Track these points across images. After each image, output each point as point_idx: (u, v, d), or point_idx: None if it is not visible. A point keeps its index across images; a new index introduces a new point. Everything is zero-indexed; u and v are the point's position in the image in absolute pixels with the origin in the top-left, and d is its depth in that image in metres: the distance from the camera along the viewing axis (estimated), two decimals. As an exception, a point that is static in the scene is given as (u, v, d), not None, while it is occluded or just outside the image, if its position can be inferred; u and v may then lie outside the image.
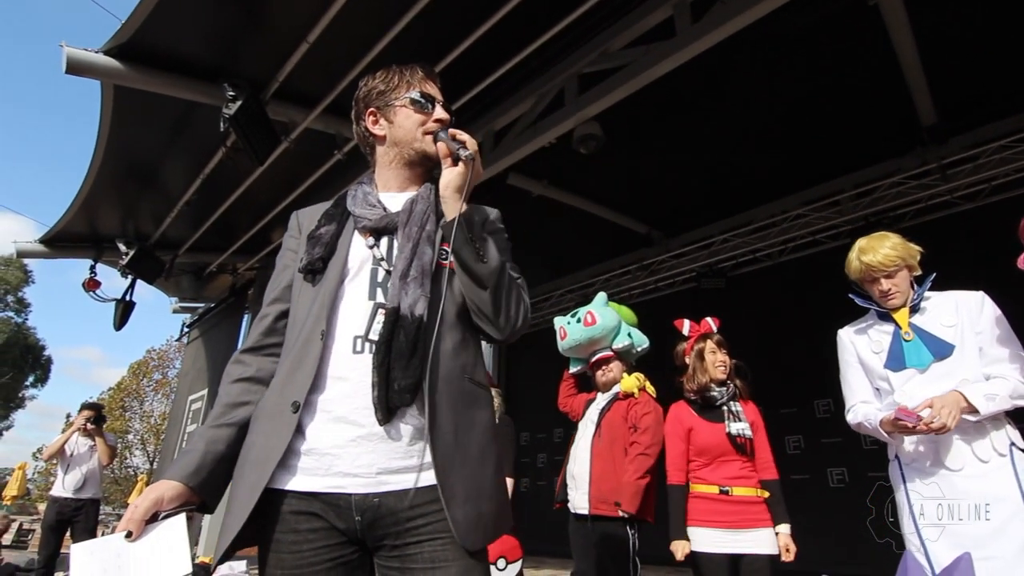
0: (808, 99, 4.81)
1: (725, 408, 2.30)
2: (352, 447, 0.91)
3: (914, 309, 1.85)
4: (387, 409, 0.90)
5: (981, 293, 1.82)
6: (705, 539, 2.17)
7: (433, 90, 1.15)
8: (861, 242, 1.95)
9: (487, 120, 4.55)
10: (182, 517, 0.89)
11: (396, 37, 3.49)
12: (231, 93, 3.50)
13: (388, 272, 1.02)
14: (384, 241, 1.07)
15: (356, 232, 1.08)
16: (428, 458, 0.92)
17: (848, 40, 4.24)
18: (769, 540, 2.15)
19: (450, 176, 1.04)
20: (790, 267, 6.51)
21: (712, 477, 2.24)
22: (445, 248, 1.04)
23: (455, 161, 1.04)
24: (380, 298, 1.01)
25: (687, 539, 2.18)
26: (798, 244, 6.38)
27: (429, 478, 0.91)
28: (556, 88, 4.04)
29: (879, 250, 1.87)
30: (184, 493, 0.92)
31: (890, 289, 1.86)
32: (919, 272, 1.92)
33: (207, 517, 6.75)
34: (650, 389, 2.82)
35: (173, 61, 3.58)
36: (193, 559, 6.26)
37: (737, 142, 5.35)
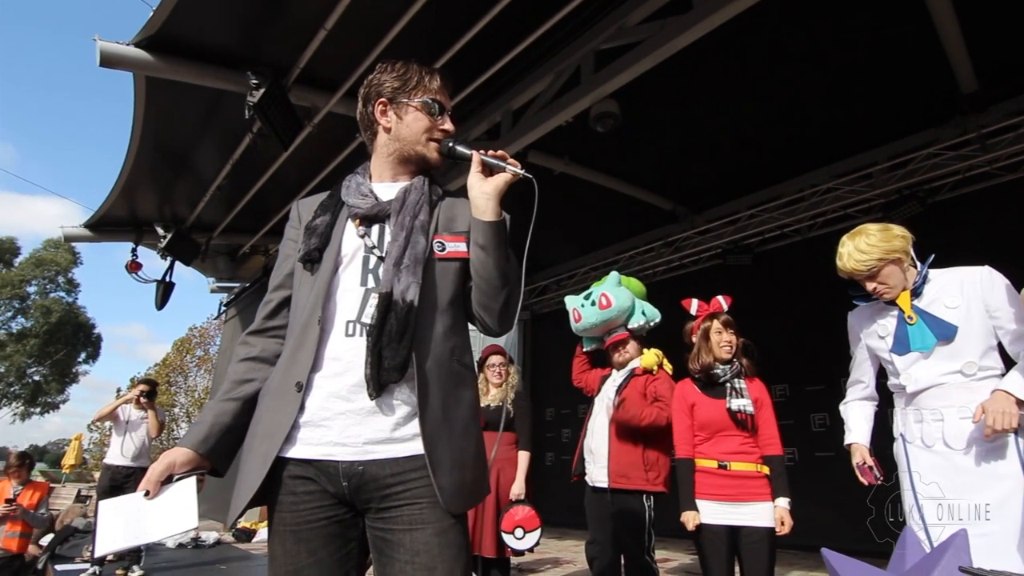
0: (839, 68, 4.64)
1: (728, 385, 2.33)
2: (342, 419, 1.01)
3: (916, 292, 1.83)
4: (378, 386, 1.00)
5: (987, 268, 1.78)
6: (705, 511, 2.23)
7: (446, 99, 1.22)
8: (841, 242, 1.92)
9: (505, 99, 4.55)
10: (192, 479, 1.02)
11: (412, 19, 3.52)
12: (254, 81, 3.61)
13: (379, 259, 1.10)
14: (375, 229, 1.14)
15: (348, 221, 1.16)
16: (411, 431, 1.02)
17: (881, 4, 4.06)
18: (768, 514, 2.19)
19: (495, 183, 1.10)
20: (819, 243, 6.35)
21: (712, 452, 2.29)
22: (441, 240, 1.12)
23: (489, 172, 1.12)
24: (371, 284, 1.09)
25: (696, 510, 2.25)
26: (828, 219, 6.21)
27: (409, 449, 1.01)
28: (573, 66, 4.02)
29: (852, 256, 1.84)
30: (195, 459, 1.04)
31: (876, 288, 1.85)
32: (908, 260, 1.86)
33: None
34: (667, 367, 2.87)
35: (199, 51, 3.70)
36: (235, 525, 6.65)
37: (764, 115, 5.21)
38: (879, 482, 1.92)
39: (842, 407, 2.10)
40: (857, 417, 2.02)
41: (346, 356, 1.04)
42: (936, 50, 4.22)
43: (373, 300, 1.04)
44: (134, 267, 6.60)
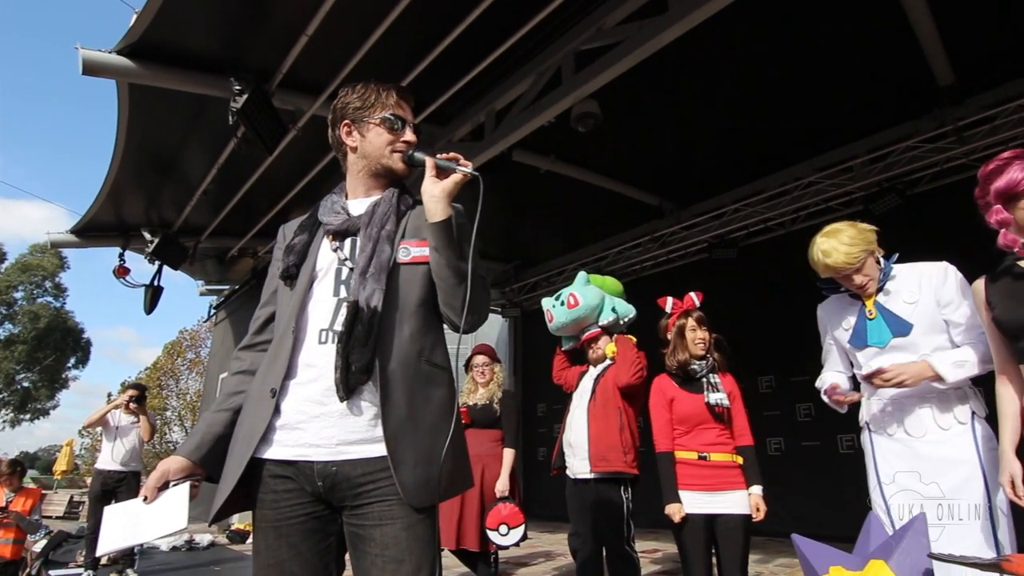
0: (820, 62, 4.69)
1: (704, 380, 2.41)
2: (316, 422, 1.08)
3: (880, 288, 1.89)
4: (347, 388, 1.06)
5: (944, 264, 1.84)
6: (686, 501, 2.31)
7: (405, 112, 1.28)
8: (819, 243, 1.93)
9: (488, 100, 4.59)
10: (185, 485, 1.11)
11: (394, 23, 3.55)
12: (237, 87, 3.63)
13: (350, 270, 1.17)
14: (348, 243, 1.22)
15: (325, 238, 1.24)
16: (381, 432, 1.08)
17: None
18: (743, 501, 2.28)
19: (444, 185, 1.17)
20: (802, 235, 6.38)
21: (691, 444, 2.38)
22: (406, 246, 1.19)
23: (443, 174, 1.18)
24: (343, 294, 1.16)
25: (680, 502, 2.31)
26: (811, 212, 6.31)
27: (380, 450, 1.07)
28: (554, 67, 4.06)
29: (840, 250, 1.85)
30: (188, 466, 1.13)
31: (863, 282, 1.88)
32: (880, 253, 1.91)
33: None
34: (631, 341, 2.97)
35: (182, 57, 3.71)
36: (229, 527, 6.67)
37: (747, 110, 5.26)
38: (847, 400, 1.94)
39: (818, 382, 2.12)
40: (833, 376, 2.07)
41: (319, 363, 1.10)
42: (914, 44, 4.29)
43: (344, 309, 1.11)
44: (122, 272, 6.59)
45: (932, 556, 1.47)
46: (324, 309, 1.15)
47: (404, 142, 1.25)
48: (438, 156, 1.20)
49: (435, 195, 1.16)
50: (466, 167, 1.17)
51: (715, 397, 2.35)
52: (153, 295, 6.78)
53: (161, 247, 6.20)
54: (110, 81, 3.94)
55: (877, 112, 5.33)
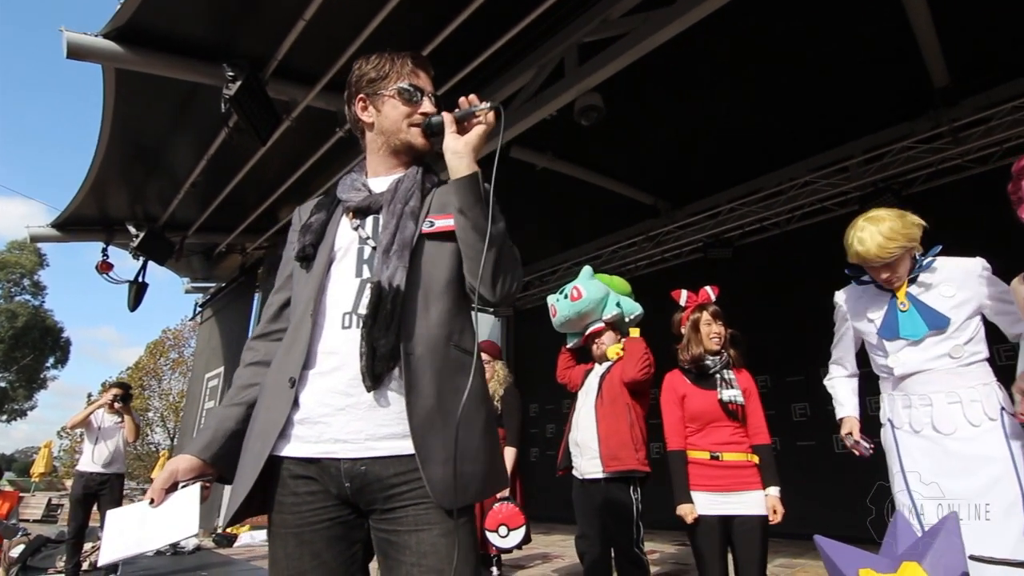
0: (816, 63, 4.70)
1: (718, 376, 2.34)
2: (342, 415, 0.97)
3: (913, 279, 1.83)
4: (374, 376, 0.96)
5: (980, 260, 1.80)
6: (698, 502, 2.23)
7: (423, 81, 1.18)
8: (859, 226, 1.83)
9: (488, 93, 4.50)
10: (196, 487, 1.00)
11: (392, 11, 3.46)
12: (231, 73, 3.51)
13: (373, 249, 1.07)
14: (369, 220, 1.12)
15: (344, 216, 1.14)
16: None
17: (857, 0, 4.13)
18: (759, 502, 2.20)
19: (467, 138, 1.08)
20: (798, 235, 6.46)
21: (703, 443, 2.30)
22: (431, 219, 1.09)
23: (465, 128, 1.09)
24: (367, 274, 1.06)
25: (692, 502, 2.23)
26: (806, 212, 6.32)
27: (412, 446, 0.96)
28: (556, 59, 4.00)
29: (875, 241, 1.77)
30: (199, 466, 1.02)
31: (890, 277, 1.82)
32: (920, 249, 1.84)
33: (226, 492, 7.00)
34: (634, 333, 2.90)
35: (172, 42, 3.58)
36: (215, 530, 6.51)
37: (743, 109, 5.26)
38: (871, 453, 1.95)
39: (828, 383, 2.14)
40: (845, 391, 2.07)
41: (343, 349, 1.01)
42: (910, 45, 4.31)
43: (368, 290, 1.02)
44: (105, 267, 6.40)
45: (973, 558, 1.42)
46: (346, 291, 1.05)
47: (422, 114, 1.15)
48: (456, 110, 1.11)
49: (458, 150, 1.06)
50: (484, 107, 1.08)
51: (729, 394, 2.27)
52: (137, 291, 6.59)
53: (146, 242, 6.02)
54: (96, 71, 3.80)
55: (873, 112, 5.35)
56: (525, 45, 4.00)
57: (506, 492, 3.07)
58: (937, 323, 1.74)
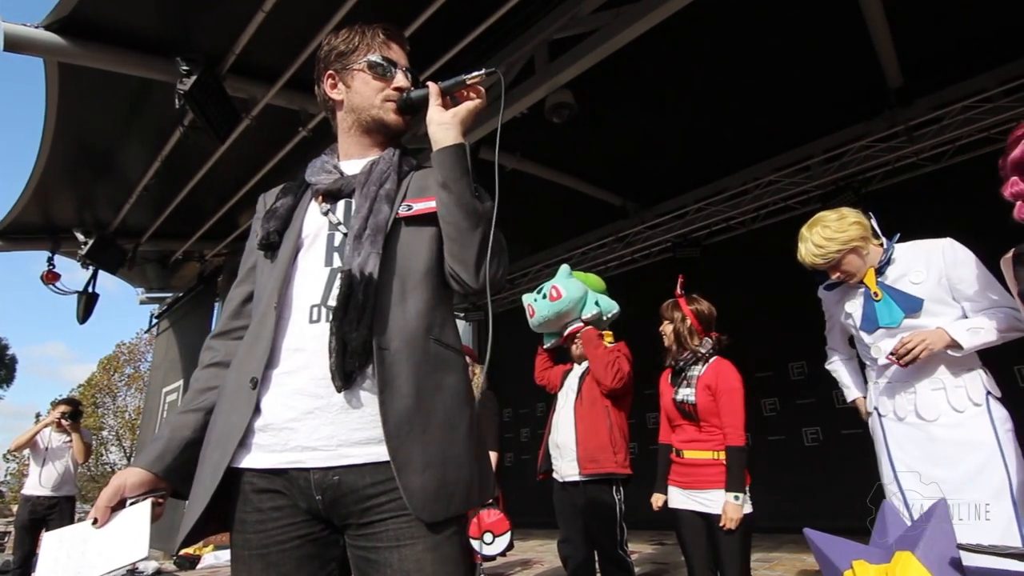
0: (777, 64, 4.81)
1: (683, 373, 2.36)
2: (310, 419, 0.87)
3: (880, 270, 1.85)
4: (344, 375, 0.86)
5: (948, 240, 1.82)
6: (671, 495, 2.35)
7: (395, 54, 1.10)
8: (800, 235, 1.95)
9: (456, 92, 4.43)
10: (146, 504, 0.88)
11: (356, 7, 3.35)
12: (185, 68, 3.32)
13: (344, 236, 0.98)
14: (341, 205, 1.03)
15: (312, 201, 1.04)
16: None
17: (815, 2, 4.23)
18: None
19: (455, 109, 1.00)
20: (763, 233, 6.60)
21: (675, 440, 2.38)
22: (408, 203, 1.00)
23: (452, 103, 1.02)
24: (337, 263, 0.97)
25: (663, 493, 2.37)
26: (770, 211, 6.46)
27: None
28: (526, 56, 3.95)
29: (808, 251, 1.90)
30: (149, 480, 0.91)
31: (841, 276, 1.90)
32: (870, 246, 1.89)
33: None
34: (608, 338, 2.86)
35: (121, 35, 3.37)
36: (177, 552, 6.19)
37: (707, 110, 5.34)
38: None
39: (829, 367, 2.18)
40: (848, 372, 2.11)
41: (311, 346, 0.91)
42: (866, 46, 4.44)
43: (339, 280, 0.92)
44: (51, 278, 6.04)
45: (962, 547, 1.40)
46: (314, 281, 0.95)
47: (395, 89, 1.07)
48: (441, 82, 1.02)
49: (444, 121, 0.99)
50: (477, 74, 1.00)
51: (682, 393, 2.29)
52: (87, 302, 6.24)
53: (96, 249, 5.71)
54: (37, 64, 3.56)
55: (832, 113, 5.50)
56: (494, 42, 3.94)
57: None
58: (911, 305, 1.75)
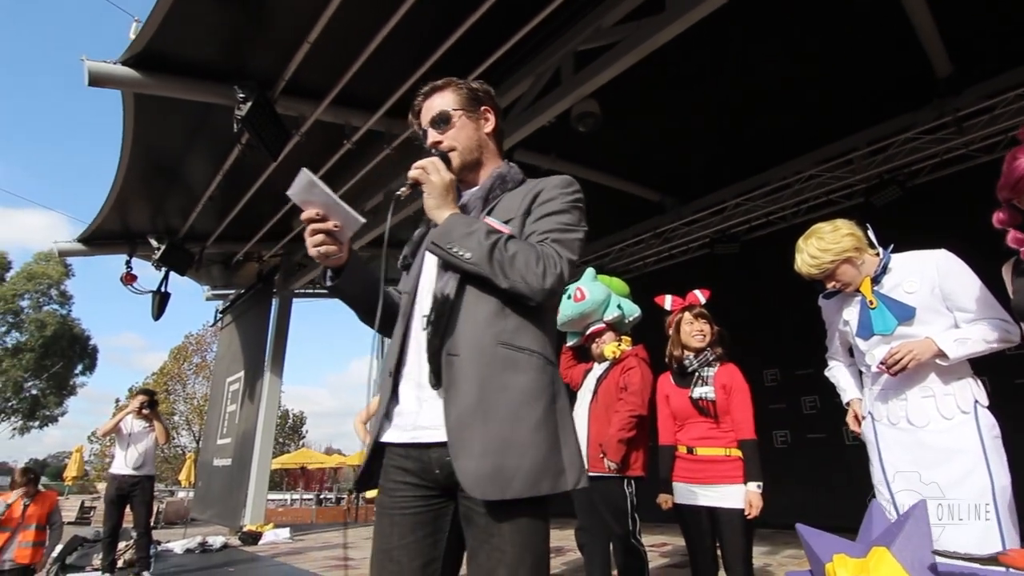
0: (817, 56, 4.72)
1: (696, 374, 2.45)
2: (425, 405, 1.11)
3: (876, 279, 1.91)
4: (436, 375, 1.09)
5: (942, 251, 1.85)
6: (680, 492, 2.41)
7: (420, 120, 1.33)
8: (797, 247, 1.99)
9: (489, 101, 4.61)
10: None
11: (394, 28, 3.59)
12: (241, 95, 3.67)
13: None
14: None
15: None
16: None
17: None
18: (738, 496, 2.28)
19: (426, 199, 1.20)
20: (804, 229, 6.39)
21: (684, 438, 2.45)
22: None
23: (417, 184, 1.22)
24: None
25: (670, 492, 2.43)
26: (812, 205, 6.33)
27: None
28: (553, 67, 4.09)
29: (804, 262, 1.93)
30: (346, 249, 1.20)
31: (836, 285, 1.95)
32: (865, 256, 1.93)
33: (251, 493, 7.20)
34: (626, 342, 2.98)
35: (186, 67, 3.76)
36: (241, 528, 6.75)
37: (746, 104, 5.28)
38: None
39: (828, 373, 2.23)
40: (846, 375, 2.15)
41: (420, 349, 1.15)
42: (910, 35, 4.31)
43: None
44: (129, 279, 6.67)
45: (937, 553, 1.50)
46: (427, 297, 1.19)
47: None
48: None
49: (428, 206, 1.20)
50: (405, 189, 1.21)
51: (699, 391, 2.38)
52: (160, 301, 6.85)
53: (167, 254, 6.26)
54: (114, 93, 3.99)
55: (876, 104, 5.34)
56: (522, 55, 4.11)
57: None
58: (904, 314, 1.81)
